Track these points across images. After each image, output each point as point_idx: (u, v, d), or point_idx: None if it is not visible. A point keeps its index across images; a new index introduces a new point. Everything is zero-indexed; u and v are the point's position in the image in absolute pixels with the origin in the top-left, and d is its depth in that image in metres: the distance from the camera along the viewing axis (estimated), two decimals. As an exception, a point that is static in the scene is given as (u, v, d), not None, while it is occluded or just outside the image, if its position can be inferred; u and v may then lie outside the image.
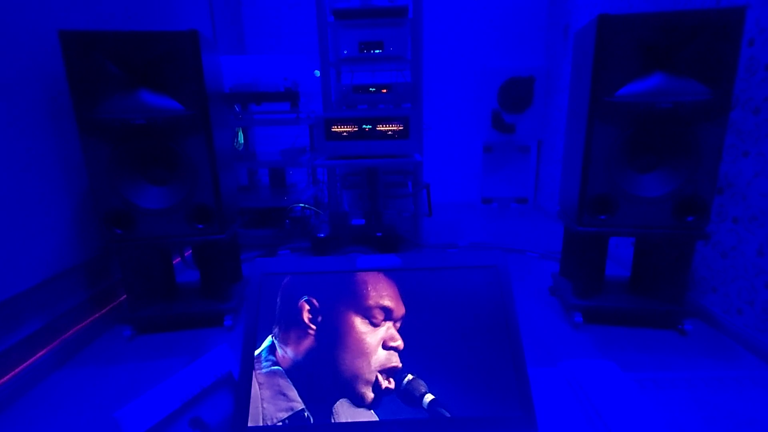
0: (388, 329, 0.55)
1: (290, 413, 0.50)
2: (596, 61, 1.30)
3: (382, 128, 1.88)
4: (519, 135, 3.36)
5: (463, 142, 3.59)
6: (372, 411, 0.51)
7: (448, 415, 0.49)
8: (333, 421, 0.50)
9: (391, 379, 0.52)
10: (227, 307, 1.57)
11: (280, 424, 0.50)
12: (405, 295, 0.56)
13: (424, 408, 0.50)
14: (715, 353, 1.36)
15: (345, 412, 0.52)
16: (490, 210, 3.47)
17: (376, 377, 0.53)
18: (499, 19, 3.33)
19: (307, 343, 0.54)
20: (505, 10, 3.31)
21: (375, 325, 0.55)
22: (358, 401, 0.51)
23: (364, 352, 0.54)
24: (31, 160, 1.32)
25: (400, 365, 0.52)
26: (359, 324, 0.56)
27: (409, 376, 0.52)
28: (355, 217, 2.36)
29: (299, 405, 0.50)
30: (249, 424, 0.48)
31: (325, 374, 0.52)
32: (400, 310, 0.56)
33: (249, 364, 0.51)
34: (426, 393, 0.51)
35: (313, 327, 0.55)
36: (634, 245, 1.63)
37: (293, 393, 0.52)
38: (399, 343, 0.54)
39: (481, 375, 0.50)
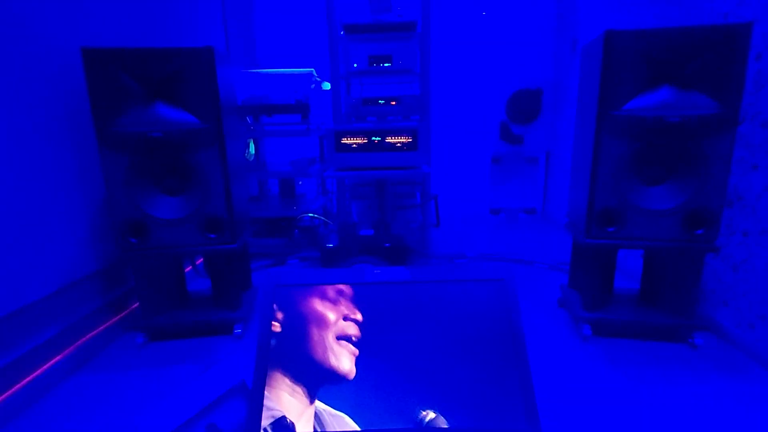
0: (347, 308, 0.59)
1: (272, 420, 0.52)
2: (603, 75, 1.32)
3: (391, 140, 1.91)
4: (527, 146, 3.37)
5: (472, 153, 3.61)
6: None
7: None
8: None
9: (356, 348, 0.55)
10: (237, 315, 1.59)
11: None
12: (410, 308, 0.58)
13: None
14: (727, 368, 1.35)
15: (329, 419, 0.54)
16: (499, 221, 3.47)
17: (341, 345, 0.56)
18: (507, 32, 3.36)
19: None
20: (513, 24, 3.34)
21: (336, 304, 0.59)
22: (337, 376, 0.54)
23: (326, 325, 0.58)
24: (51, 171, 1.37)
25: (359, 334, 0.55)
26: (319, 305, 0.60)
27: (432, 414, 0.53)
28: (363, 228, 2.38)
29: (279, 413, 0.52)
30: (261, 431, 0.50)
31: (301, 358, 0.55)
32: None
33: (263, 372, 0.52)
34: (449, 430, 0.52)
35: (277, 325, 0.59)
36: (644, 258, 1.63)
37: (272, 403, 0.54)
38: (358, 315, 0.57)
39: (487, 388, 0.51)
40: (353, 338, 0.57)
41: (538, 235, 2.99)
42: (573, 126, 1.70)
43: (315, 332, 0.57)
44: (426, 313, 0.56)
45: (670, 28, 1.25)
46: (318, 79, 2.71)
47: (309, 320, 0.58)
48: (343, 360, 0.56)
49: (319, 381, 0.55)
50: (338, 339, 0.58)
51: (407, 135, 1.90)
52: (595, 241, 1.43)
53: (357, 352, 0.55)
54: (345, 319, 0.58)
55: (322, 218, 2.82)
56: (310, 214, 2.67)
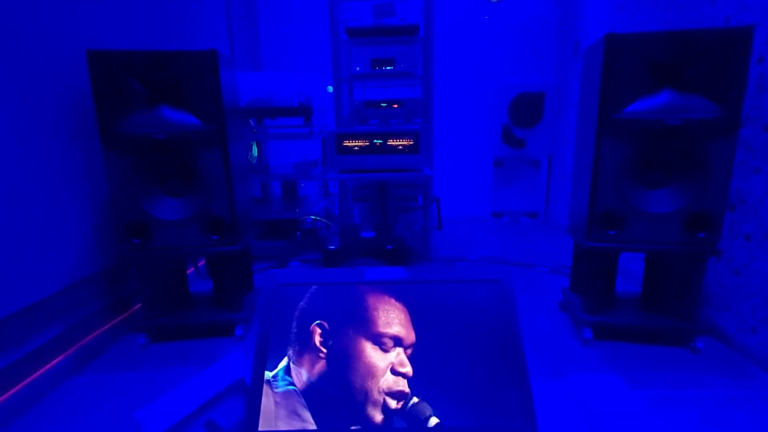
0: (398, 355, 0.57)
1: (270, 418, 0.52)
2: (604, 78, 1.32)
3: (392, 143, 1.92)
4: (529, 149, 3.37)
5: (474, 156, 3.62)
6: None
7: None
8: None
9: (400, 402, 0.54)
10: (238, 317, 1.60)
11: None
12: (412, 311, 0.58)
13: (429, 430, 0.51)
14: (729, 372, 1.34)
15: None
16: (501, 224, 3.47)
17: (384, 400, 0.54)
18: (509, 36, 3.37)
19: (320, 366, 0.56)
20: (515, 27, 3.35)
21: (385, 351, 0.57)
22: (369, 425, 0.52)
23: (373, 376, 0.56)
24: (55, 172, 1.38)
25: (408, 390, 0.53)
26: (370, 350, 0.57)
27: (415, 399, 0.54)
28: (365, 230, 2.39)
29: (311, 426, 0.52)
30: (260, 429, 0.50)
31: (337, 397, 0.54)
32: (410, 337, 0.57)
33: (261, 370, 0.53)
34: (431, 416, 0.52)
35: (324, 350, 0.57)
36: (645, 261, 1.62)
37: (307, 414, 0.53)
38: (408, 369, 0.55)
39: (484, 386, 0.52)
40: (341, 334, 0.57)
41: (539, 239, 2.98)
42: (575, 130, 1.70)
43: (302, 333, 0.57)
44: (424, 313, 0.56)
45: (671, 32, 1.25)
46: (321, 82, 2.73)
47: (296, 322, 0.58)
48: (336, 353, 0.56)
49: (316, 378, 0.55)
50: (326, 336, 0.58)
51: (409, 138, 1.91)
52: (597, 244, 1.43)
53: (398, 408, 0.54)
54: (331, 316, 0.59)
55: (324, 220, 2.83)
56: (312, 217, 2.68)
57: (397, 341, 0.57)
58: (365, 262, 2.06)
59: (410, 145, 1.91)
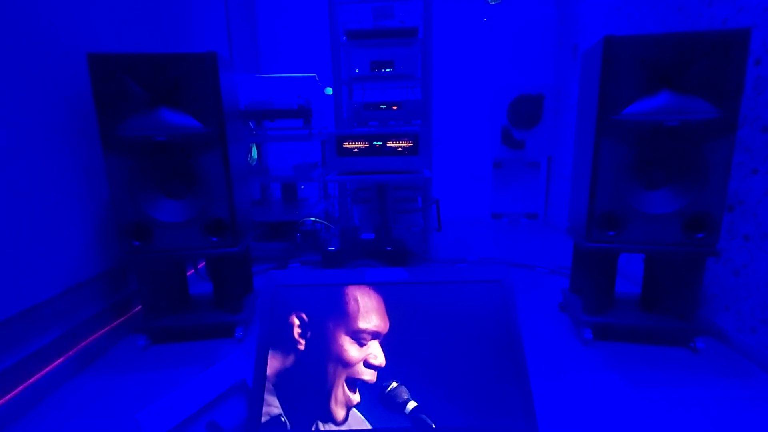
0: (371, 348, 0.58)
1: (268, 417, 0.52)
2: (603, 80, 1.33)
3: (392, 144, 1.92)
4: (529, 151, 3.38)
5: (473, 157, 3.62)
6: (364, 418, 0.53)
7: (430, 422, 0.51)
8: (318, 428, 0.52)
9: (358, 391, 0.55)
10: (238, 318, 1.60)
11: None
12: (406, 309, 0.58)
13: (406, 415, 0.52)
14: (728, 372, 1.34)
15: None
16: (500, 225, 3.47)
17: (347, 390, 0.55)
18: (508, 38, 3.38)
19: (294, 355, 0.56)
20: (514, 29, 3.36)
21: (362, 345, 0.58)
22: (331, 420, 0.53)
23: (345, 367, 0.56)
24: (56, 174, 1.39)
25: (374, 380, 0.54)
26: (347, 343, 0.58)
27: (394, 384, 0.54)
28: (365, 232, 2.39)
29: (277, 410, 0.53)
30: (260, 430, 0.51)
31: (306, 385, 0.54)
32: (385, 328, 0.58)
33: (263, 371, 0.53)
34: (409, 400, 0.53)
35: (302, 341, 0.58)
36: (645, 262, 1.63)
37: (273, 399, 0.54)
38: (381, 360, 0.56)
39: (484, 387, 0.52)
40: (341, 335, 0.58)
41: (539, 240, 2.99)
42: (574, 131, 1.71)
43: (331, 367, 0.57)
44: (424, 314, 0.57)
45: (669, 34, 1.26)
46: (320, 83, 2.74)
47: (331, 352, 0.58)
48: (340, 409, 0.56)
49: (310, 414, 0.54)
50: (326, 338, 0.58)
51: (408, 139, 1.92)
52: (596, 245, 1.43)
53: (358, 402, 0.55)
54: (330, 318, 0.59)
55: (324, 222, 2.83)
56: (312, 218, 2.69)
57: (375, 335, 0.58)
58: (365, 264, 2.06)
59: (410, 146, 1.92)
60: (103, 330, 1.57)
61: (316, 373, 0.57)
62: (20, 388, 1.21)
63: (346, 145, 1.94)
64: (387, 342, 0.59)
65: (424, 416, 0.51)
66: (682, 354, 1.45)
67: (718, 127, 1.28)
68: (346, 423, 0.54)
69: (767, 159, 1.35)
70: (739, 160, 1.46)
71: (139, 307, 1.74)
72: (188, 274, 1.79)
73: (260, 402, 0.53)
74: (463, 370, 0.54)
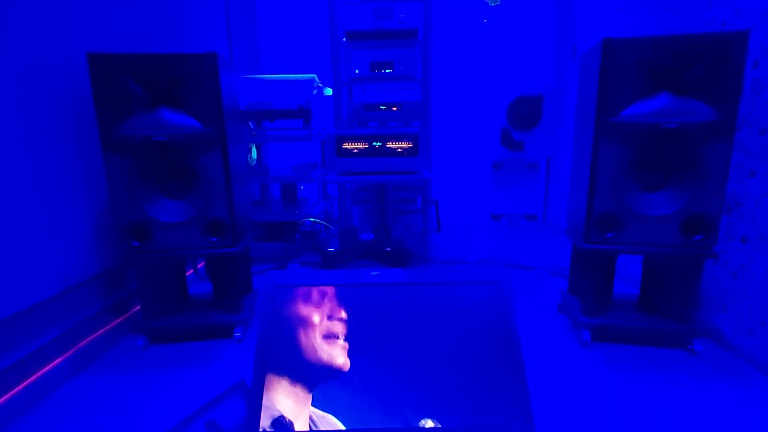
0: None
1: (271, 420, 0.53)
2: (601, 82, 1.33)
3: (391, 145, 1.93)
4: (528, 152, 3.38)
5: (472, 158, 3.63)
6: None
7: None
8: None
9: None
10: (237, 319, 1.60)
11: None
12: (406, 309, 0.59)
13: None
14: (726, 374, 1.35)
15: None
16: (500, 226, 3.47)
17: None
18: (508, 39, 3.39)
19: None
20: (514, 30, 3.37)
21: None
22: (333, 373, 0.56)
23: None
24: (56, 174, 1.39)
25: (345, 331, 0.57)
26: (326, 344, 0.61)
27: (430, 423, 0.54)
28: (364, 232, 2.39)
29: (278, 412, 0.53)
30: (260, 430, 0.51)
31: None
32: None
33: (262, 371, 0.53)
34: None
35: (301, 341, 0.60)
36: (643, 263, 1.63)
37: (270, 404, 0.56)
38: (342, 314, 0.59)
39: (482, 387, 0.52)
40: (340, 335, 0.58)
41: (538, 241, 2.99)
42: (573, 132, 1.71)
43: (302, 334, 0.59)
44: (422, 315, 0.57)
45: (667, 36, 1.26)
46: (320, 84, 2.74)
47: (296, 323, 0.59)
48: (335, 355, 0.57)
49: (315, 380, 0.56)
50: (325, 338, 0.59)
51: (408, 140, 1.92)
52: (594, 246, 1.44)
53: (347, 345, 0.57)
54: (330, 318, 0.60)
55: (324, 223, 2.83)
56: (312, 219, 2.69)
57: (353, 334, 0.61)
58: (364, 264, 2.06)
59: (409, 147, 1.92)
60: (103, 330, 1.57)
61: (296, 343, 0.58)
62: (19, 387, 1.21)
63: (346, 145, 1.94)
64: (384, 342, 0.59)
65: None
66: (680, 355, 1.45)
67: (717, 129, 1.28)
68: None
69: (765, 161, 1.36)
70: (737, 162, 1.47)
71: (139, 307, 1.74)
72: (188, 274, 1.79)
73: (260, 402, 0.53)
74: (461, 370, 0.55)
